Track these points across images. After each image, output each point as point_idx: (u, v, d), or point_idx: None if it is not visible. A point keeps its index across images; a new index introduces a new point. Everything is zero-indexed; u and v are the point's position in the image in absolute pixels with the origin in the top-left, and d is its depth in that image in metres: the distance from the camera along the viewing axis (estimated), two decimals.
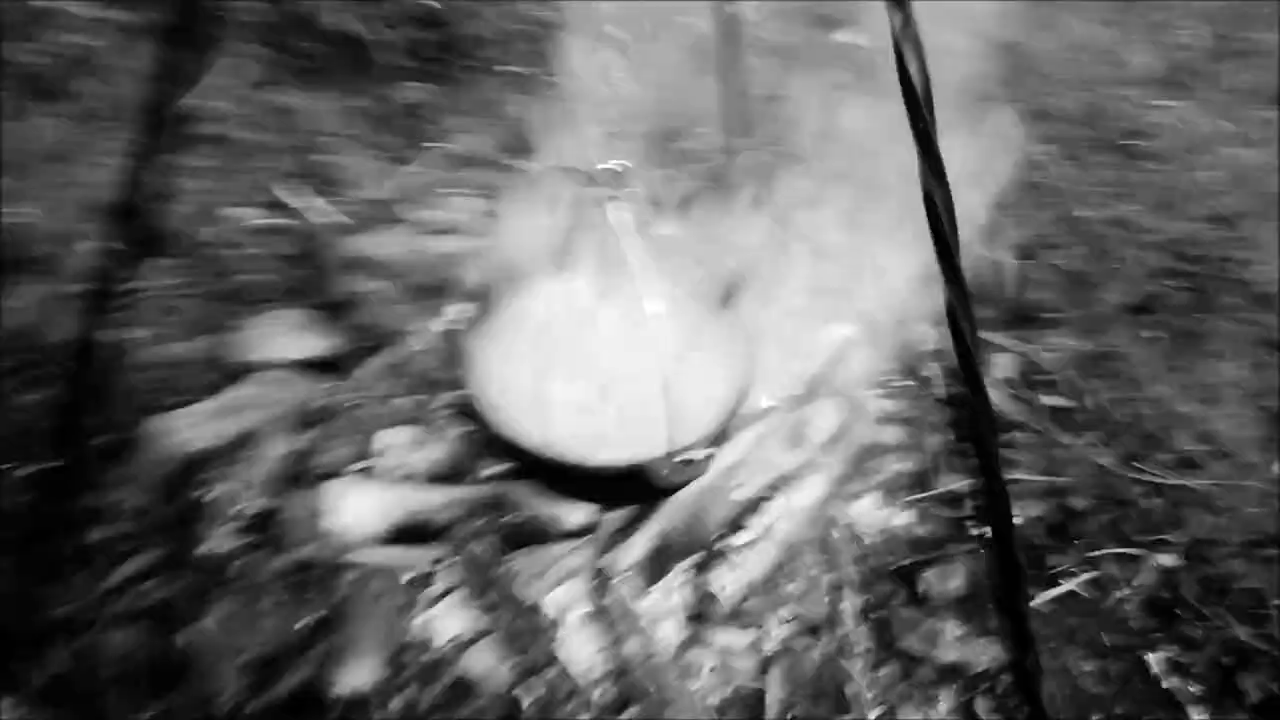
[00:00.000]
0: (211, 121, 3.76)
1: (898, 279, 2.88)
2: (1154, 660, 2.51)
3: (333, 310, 3.14)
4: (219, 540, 2.52)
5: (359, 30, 4.08)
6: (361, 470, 2.64)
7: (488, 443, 2.59)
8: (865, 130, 2.88)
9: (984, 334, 3.24)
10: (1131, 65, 4.94)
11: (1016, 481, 2.84)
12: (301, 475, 2.66)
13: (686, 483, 2.35)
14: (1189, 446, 3.00)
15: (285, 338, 2.97)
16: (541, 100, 3.90)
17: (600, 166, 2.40)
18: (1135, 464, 2.94)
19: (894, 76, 1.43)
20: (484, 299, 2.54)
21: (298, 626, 2.37)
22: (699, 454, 2.16)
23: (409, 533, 2.47)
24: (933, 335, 3.08)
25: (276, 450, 2.68)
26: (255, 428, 2.72)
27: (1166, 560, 2.72)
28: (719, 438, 2.33)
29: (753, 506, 2.53)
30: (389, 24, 4.10)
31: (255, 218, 3.46)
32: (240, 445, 2.69)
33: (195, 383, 2.89)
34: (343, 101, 3.87)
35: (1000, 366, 3.22)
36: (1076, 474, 2.91)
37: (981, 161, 3.14)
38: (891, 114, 1.49)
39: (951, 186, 1.74)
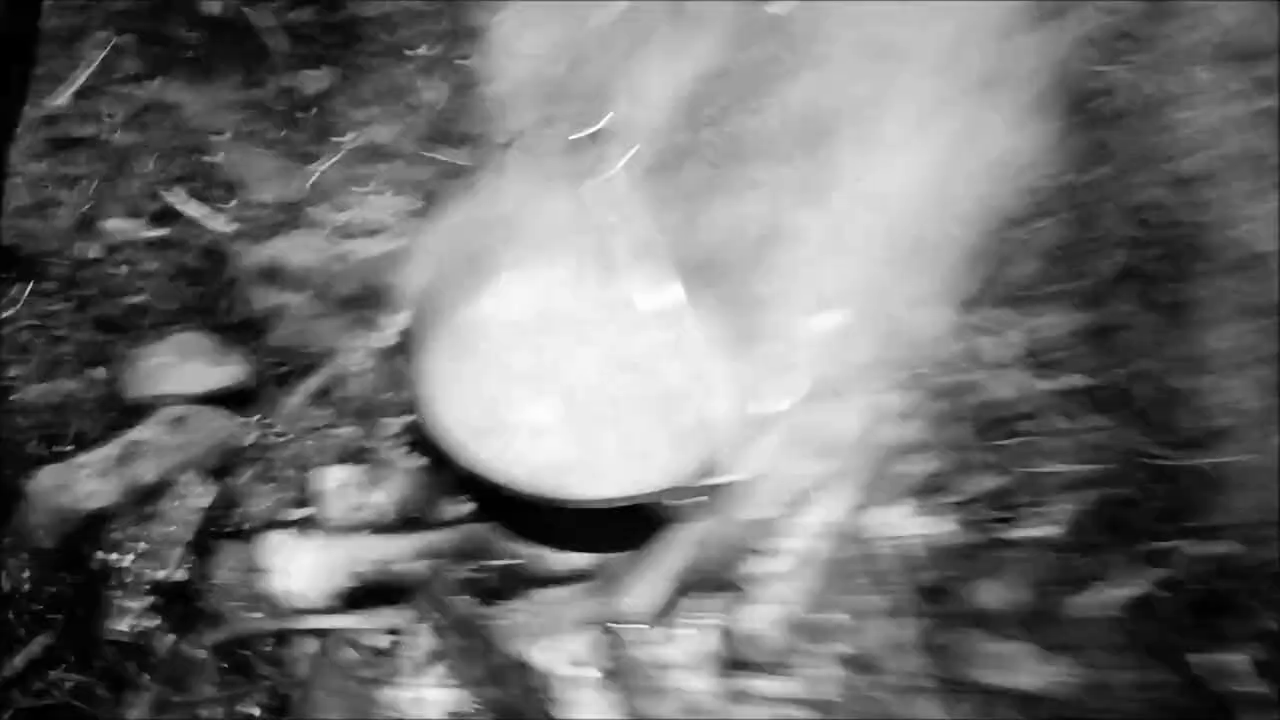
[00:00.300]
0: (84, 123, 3.22)
1: (877, 258, 2.53)
2: (1237, 662, 2.21)
3: (245, 331, 2.65)
4: (135, 615, 2.03)
5: (247, 14, 3.58)
6: (302, 519, 2.16)
7: (450, 479, 2.15)
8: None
9: (979, 312, 2.92)
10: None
11: (1049, 474, 2.52)
12: (230, 530, 2.18)
13: (705, 516, 1.95)
14: (1211, 422, 2.73)
15: (192, 366, 2.47)
16: (459, 83, 3.49)
17: (576, 135, 2.00)
18: (1166, 444, 2.65)
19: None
20: (426, 305, 2.10)
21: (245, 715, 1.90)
22: (719, 478, 1.77)
23: (369, 592, 2.02)
24: (931, 317, 2.74)
25: (195, 501, 2.19)
26: (166, 475, 2.22)
27: (1224, 548, 2.43)
28: (735, 454, 1.93)
29: (780, 526, 2.14)
30: (282, 5, 3.61)
31: (144, 230, 2.93)
32: (150, 497, 2.19)
33: (89, 426, 2.38)
34: (234, 95, 3.36)
35: (1005, 345, 2.91)
36: (1109, 459, 2.61)
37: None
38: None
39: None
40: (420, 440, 2.26)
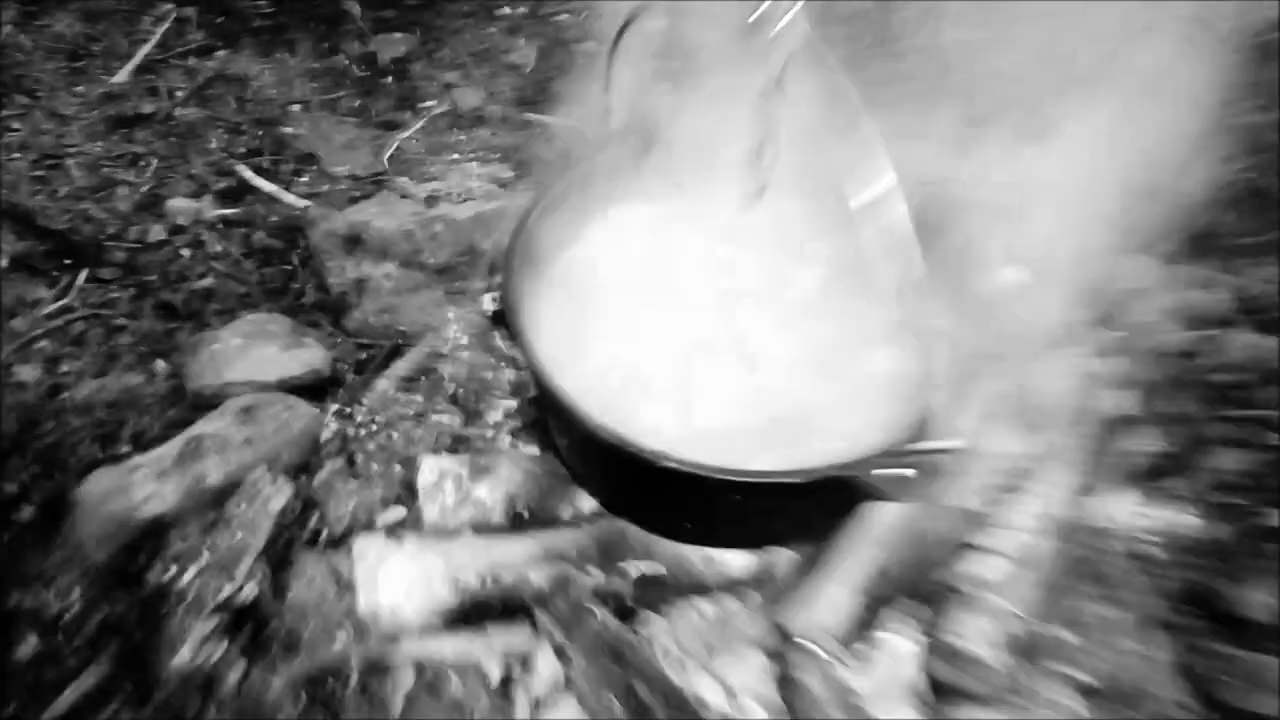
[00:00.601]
0: (146, 99, 2.93)
1: (1070, 208, 2.07)
2: None
3: (324, 312, 2.30)
4: (200, 640, 1.66)
5: None
6: (393, 523, 1.78)
7: (574, 463, 1.74)
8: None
9: (1191, 268, 2.43)
10: None
11: None
12: (308, 537, 1.81)
13: (933, 488, 1.50)
14: None
15: (264, 351, 2.12)
16: (551, 41, 3.12)
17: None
18: None
19: None
20: (530, 249, 1.68)
21: None
22: (952, 441, 1.32)
23: (483, 608, 1.62)
24: (1131, 268, 2.27)
25: (267, 503, 1.82)
26: (234, 475, 1.87)
27: None
28: (936, 421, 1.47)
29: (990, 516, 1.70)
30: None
31: (211, 209, 2.61)
32: (216, 500, 1.84)
33: (148, 423, 2.05)
34: (307, 63, 3.04)
35: (1218, 301, 2.41)
36: None
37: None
38: None
39: None
40: (530, 424, 1.87)
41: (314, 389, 2.11)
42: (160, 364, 2.22)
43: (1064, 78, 2.15)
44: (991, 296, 2.09)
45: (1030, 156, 2.11)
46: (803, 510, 1.53)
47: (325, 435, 1.98)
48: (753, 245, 1.87)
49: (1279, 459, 2.00)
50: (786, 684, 1.54)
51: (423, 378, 2.08)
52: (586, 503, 1.74)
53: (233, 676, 1.64)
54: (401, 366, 2.09)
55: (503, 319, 1.51)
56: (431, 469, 1.76)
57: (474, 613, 1.62)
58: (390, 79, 3.03)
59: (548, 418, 1.76)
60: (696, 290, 1.81)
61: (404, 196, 2.61)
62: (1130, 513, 1.87)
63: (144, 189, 2.66)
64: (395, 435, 1.94)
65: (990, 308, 2.06)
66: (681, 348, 1.72)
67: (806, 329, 1.75)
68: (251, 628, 1.69)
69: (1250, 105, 3.15)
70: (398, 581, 1.59)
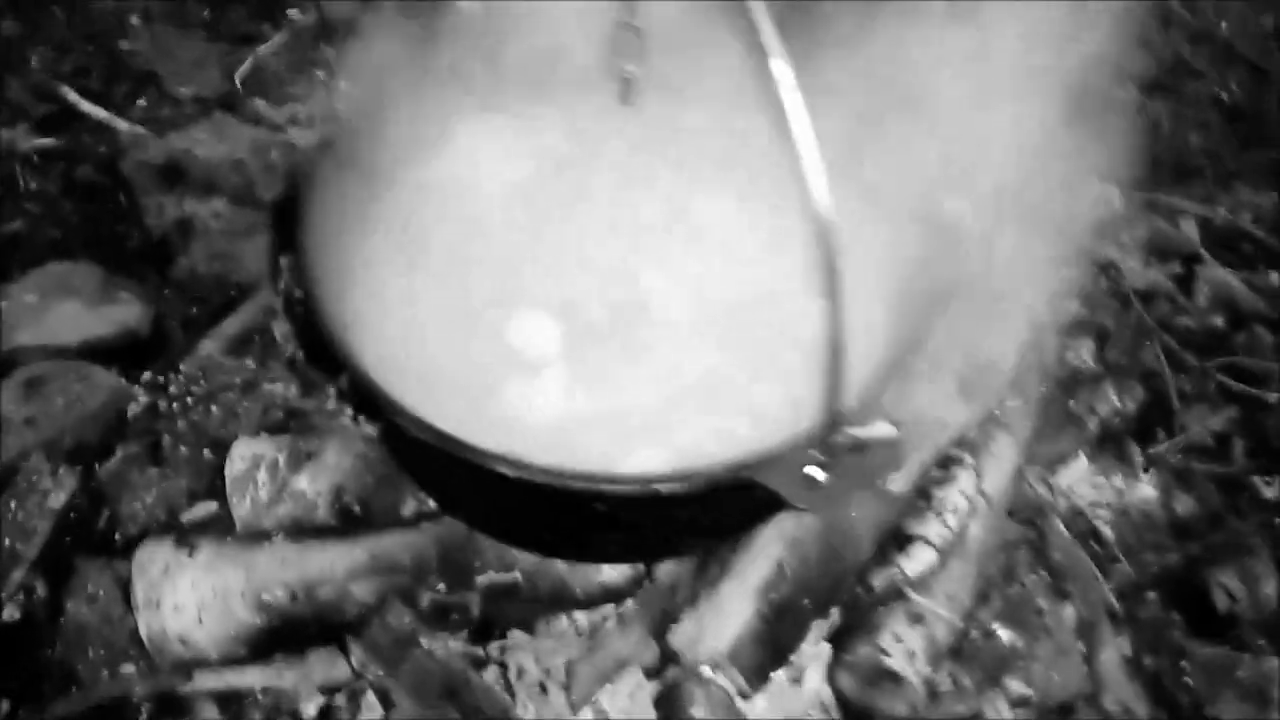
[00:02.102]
0: None
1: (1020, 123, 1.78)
2: None
3: (151, 259, 1.94)
4: None
5: None
6: (203, 524, 1.46)
7: (405, 452, 1.43)
8: None
9: (1153, 196, 2.14)
10: None
11: None
12: (101, 542, 1.49)
13: (855, 492, 1.19)
14: None
15: (65, 308, 1.78)
16: None
17: None
18: None
19: None
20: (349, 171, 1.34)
21: None
22: (879, 428, 1.01)
23: (293, 630, 1.31)
24: (1110, 197, 1.97)
25: (51, 502, 1.50)
26: (14, 466, 1.53)
27: None
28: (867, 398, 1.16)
29: (923, 500, 1.41)
30: None
31: (29, 138, 2.23)
32: None
33: None
34: None
35: (1184, 234, 2.12)
36: None
37: None
38: None
39: None
40: (362, 402, 1.55)
41: (128, 353, 1.77)
42: None
43: None
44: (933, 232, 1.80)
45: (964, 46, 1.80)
46: (690, 520, 1.22)
47: (133, 411, 1.65)
48: (645, 170, 1.55)
49: (1250, 416, 1.74)
50: (671, 712, 1.25)
51: (255, 339, 1.75)
52: (430, 500, 1.44)
53: None
54: (230, 325, 1.76)
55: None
56: (242, 454, 1.44)
57: (288, 636, 1.31)
58: None
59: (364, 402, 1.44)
60: (576, 230, 1.49)
61: (258, 122, 2.24)
62: (1082, 485, 1.60)
63: None
64: (215, 410, 1.61)
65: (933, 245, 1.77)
66: (556, 305, 1.40)
67: (713, 279, 1.43)
68: (19, 657, 1.38)
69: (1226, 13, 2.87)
70: (187, 600, 1.28)
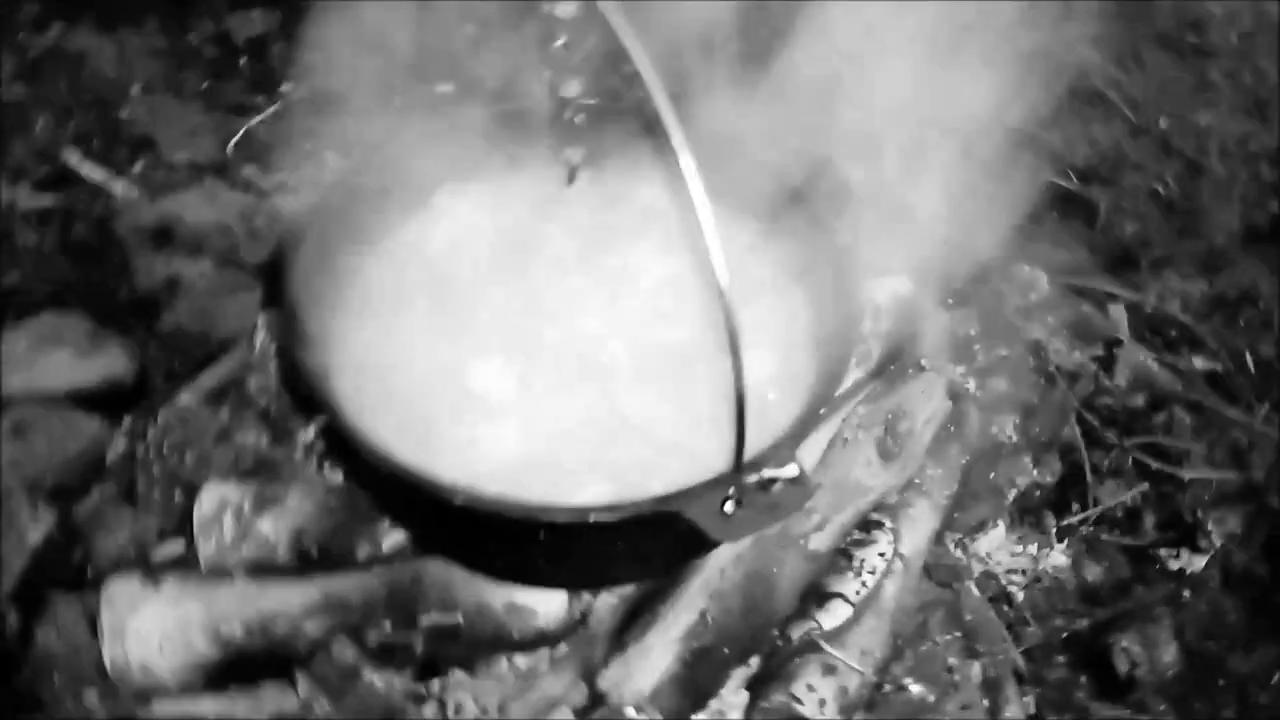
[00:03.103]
0: None
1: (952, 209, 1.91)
2: None
3: (134, 314, 2.06)
4: None
5: None
6: (171, 562, 1.56)
7: (367, 493, 1.54)
8: None
9: (1085, 281, 2.28)
10: None
11: (1197, 481, 1.87)
12: (75, 577, 1.59)
13: (767, 526, 1.30)
14: None
15: (54, 357, 1.89)
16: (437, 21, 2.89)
17: None
18: None
19: None
20: (327, 235, 1.48)
21: None
22: (788, 468, 1.13)
23: (247, 662, 1.40)
24: (1033, 280, 2.11)
25: (29, 538, 1.60)
26: (6, 494, 1.64)
27: None
28: (785, 448, 1.28)
29: (843, 559, 1.52)
30: None
31: (29, 197, 2.36)
32: None
33: None
34: (154, 41, 2.78)
35: (1112, 319, 2.25)
36: (1261, 464, 1.95)
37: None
38: None
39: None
40: (335, 445, 1.66)
41: (112, 401, 1.88)
42: None
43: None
44: (868, 305, 1.93)
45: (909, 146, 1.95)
46: (626, 550, 1.33)
47: (112, 456, 1.75)
48: (601, 236, 1.68)
49: (1163, 492, 1.85)
50: None
51: (231, 391, 1.85)
52: (387, 541, 1.54)
53: None
54: (208, 378, 1.86)
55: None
56: (211, 498, 1.54)
57: (242, 668, 1.41)
58: (244, 60, 2.79)
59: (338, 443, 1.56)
60: (535, 289, 1.61)
61: (247, 188, 2.38)
62: (999, 552, 1.71)
63: None
64: (189, 456, 1.72)
65: (865, 317, 1.89)
66: (515, 355, 1.51)
67: (654, 330, 1.55)
68: None
69: (1174, 108, 3.04)
70: (150, 631, 1.38)
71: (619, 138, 1.62)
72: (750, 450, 1.08)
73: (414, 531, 1.50)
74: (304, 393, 1.52)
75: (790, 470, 1.15)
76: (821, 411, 1.32)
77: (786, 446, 1.19)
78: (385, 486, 1.41)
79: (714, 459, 1.21)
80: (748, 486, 1.12)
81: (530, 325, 1.54)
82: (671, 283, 1.59)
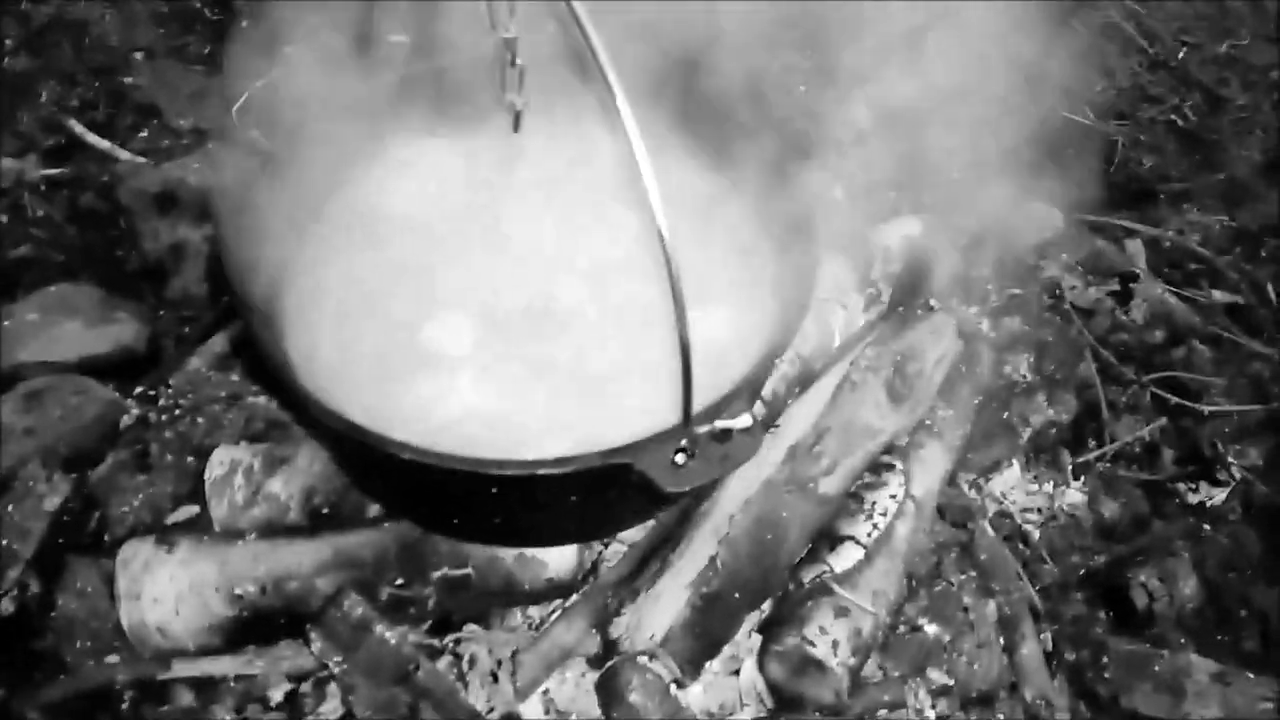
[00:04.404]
0: None
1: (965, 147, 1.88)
2: None
3: (149, 279, 2.06)
4: None
5: None
6: (185, 524, 1.58)
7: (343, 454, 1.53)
8: None
9: (1101, 217, 2.24)
10: None
11: (1217, 414, 1.85)
12: (92, 541, 1.60)
13: (720, 476, 1.29)
14: None
15: (65, 328, 1.90)
16: None
17: None
18: None
19: None
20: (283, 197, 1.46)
21: None
22: (741, 418, 1.11)
23: (263, 621, 1.42)
24: (1048, 217, 2.07)
25: (46, 505, 1.61)
26: (13, 472, 1.65)
27: None
28: (782, 394, 1.27)
29: (854, 502, 1.51)
30: None
31: (39, 168, 2.36)
32: None
33: None
34: (156, 6, 2.77)
35: (1130, 254, 2.21)
36: None
37: None
38: None
39: None
40: (292, 408, 1.65)
41: (124, 369, 1.89)
42: None
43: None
44: (879, 247, 1.91)
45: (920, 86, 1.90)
46: (581, 503, 1.30)
47: (126, 422, 1.76)
48: (556, 188, 1.65)
49: (1181, 427, 1.82)
50: (611, 699, 1.35)
51: (241, 354, 1.86)
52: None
53: None
54: (217, 342, 1.87)
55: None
56: (221, 460, 1.55)
57: (258, 627, 1.42)
58: (246, 23, 2.77)
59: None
60: (493, 239, 1.59)
61: (254, 153, 2.36)
62: (1014, 491, 1.69)
63: None
64: (200, 421, 1.72)
65: (876, 261, 1.87)
66: (474, 308, 1.49)
67: (619, 284, 1.52)
68: (12, 648, 1.48)
69: (1179, 41, 2.97)
70: (165, 593, 1.39)
71: (573, 85, 1.59)
72: (703, 402, 1.07)
73: (372, 494, 1.50)
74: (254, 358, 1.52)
75: (743, 421, 1.13)
76: (775, 364, 1.30)
77: (739, 398, 1.17)
78: (340, 447, 1.41)
79: (673, 412, 1.20)
80: (699, 437, 1.11)
81: (488, 280, 1.52)
82: (627, 234, 1.57)
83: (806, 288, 1.31)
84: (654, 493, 1.07)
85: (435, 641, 1.40)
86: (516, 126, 1.42)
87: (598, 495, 1.26)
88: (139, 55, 2.67)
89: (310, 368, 1.25)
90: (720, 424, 1.09)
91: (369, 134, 1.60)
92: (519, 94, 1.36)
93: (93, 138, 2.43)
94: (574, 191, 1.62)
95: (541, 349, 1.42)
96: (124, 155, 2.38)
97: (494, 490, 1.19)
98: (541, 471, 1.14)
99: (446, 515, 1.37)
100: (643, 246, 1.51)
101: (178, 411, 1.75)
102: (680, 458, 1.08)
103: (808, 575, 1.44)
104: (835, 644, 1.37)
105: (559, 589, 1.44)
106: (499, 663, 1.39)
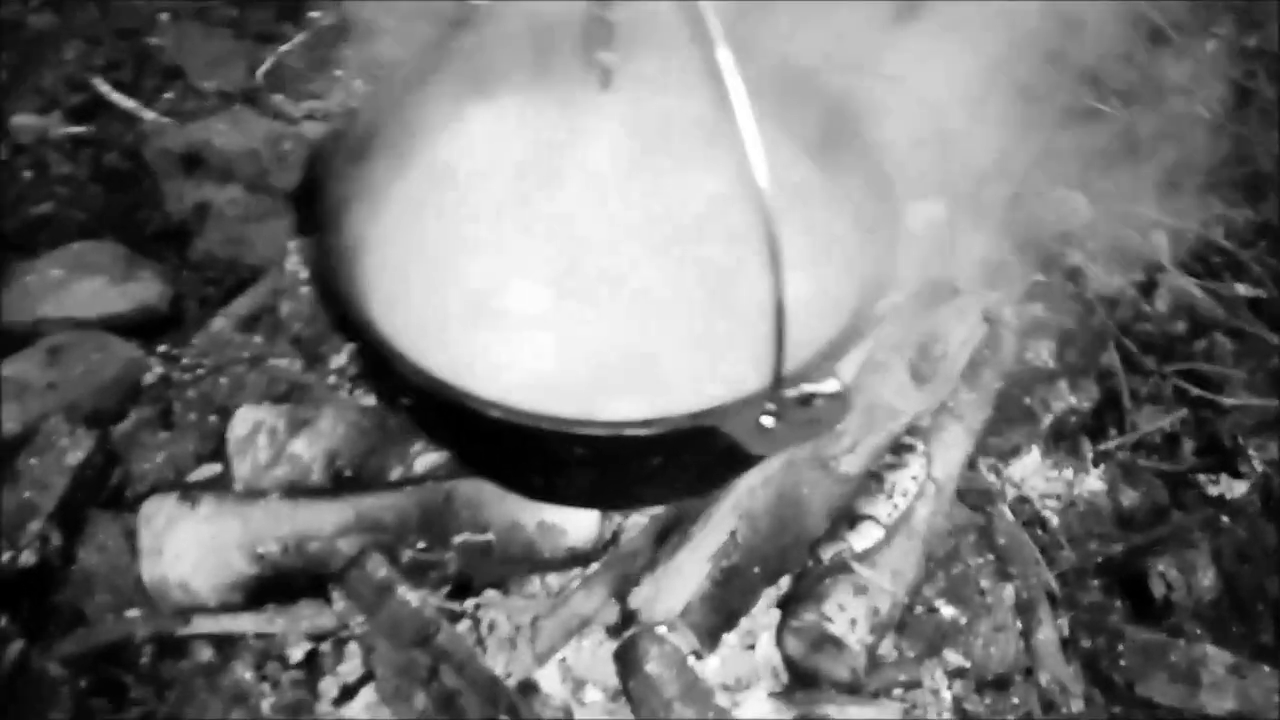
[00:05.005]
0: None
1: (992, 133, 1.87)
2: None
3: (167, 242, 2.06)
4: None
5: None
6: (202, 481, 1.58)
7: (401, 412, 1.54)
8: None
9: (1127, 207, 2.22)
10: None
11: (1238, 407, 1.84)
12: (113, 496, 1.61)
13: (806, 440, 1.30)
14: None
15: (87, 284, 1.90)
16: None
17: None
18: None
19: None
20: (360, 154, 1.45)
21: None
22: (828, 382, 1.12)
23: (284, 580, 1.42)
24: (1078, 205, 2.06)
25: (68, 459, 1.62)
26: (36, 426, 1.65)
27: None
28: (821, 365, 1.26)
29: (875, 482, 1.51)
30: None
31: (60, 126, 2.36)
32: (12, 451, 1.62)
33: None
34: None
35: (1153, 244, 2.20)
36: None
37: None
38: None
39: None
40: (368, 370, 1.66)
41: (146, 328, 1.89)
42: None
43: None
44: (905, 230, 1.89)
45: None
46: (662, 466, 1.31)
47: (148, 380, 1.77)
48: (637, 150, 1.64)
49: (1202, 418, 1.82)
50: (629, 668, 1.36)
51: (264, 317, 1.86)
52: (419, 462, 1.54)
53: (8, 656, 1.45)
54: (241, 304, 1.87)
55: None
56: (245, 420, 1.55)
57: (279, 586, 1.43)
58: None
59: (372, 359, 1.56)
60: (567, 205, 1.58)
61: (276, 116, 2.36)
62: (1033, 476, 1.69)
63: None
64: (223, 381, 1.73)
65: (903, 242, 1.86)
66: (547, 270, 1.48)
67: (692, 247, 1.52)
68: (32, 600, 1.49)
69: (1207, 32, 2.94)
70: (187, 549, 1.40)
71: (657, 45, 1.58)
72: (789, 366, 1.07)
73: (450, 449, 1.50)
74: (338, 313, 1.52)
75: (830, 385, 1.13)
76: (862, 328, 1.29)
77: (826, 361, 1.17)
78: (422, 403, 1.40)
79: (750, 376, 1.20)
80: (787, 401, 1.11)
81: (565, 241, 1.51)
82: (710, 199, 1.55)
83: (890, 256, 1.31)
84: (738, 456, 1.08)
85: (455, 605, 1.41)
86: (605, 85, 1.42)
87: (680, 458, 1.26)
88: (164, 16, 2.66)
89: (390, 327, 1.25)
90: (808, 387, 1.09)
91: (448, 97, 1.58)
92: (610, 50, 1.36)
93: (117, 96, 2.43)
94: (652, 154, 1.60)
95: (617, 312, 1.42)
96: (148, 115, 2.38)
97: (578, 451, 1.20)
98: (628, 433, 1.15)
99: (526, 474, 1.39)
100: (720, 211, 1.50)
101: (200, 371, 1.75)
102: (768, 421, 1.08)
103: (827, 553, 1.44)
104: (853, 622, 1.37)
105: (579, 558, 1.44)
106: (517, 629, 1.40)
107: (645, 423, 1.16)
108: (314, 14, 2.71)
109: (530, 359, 1.38)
